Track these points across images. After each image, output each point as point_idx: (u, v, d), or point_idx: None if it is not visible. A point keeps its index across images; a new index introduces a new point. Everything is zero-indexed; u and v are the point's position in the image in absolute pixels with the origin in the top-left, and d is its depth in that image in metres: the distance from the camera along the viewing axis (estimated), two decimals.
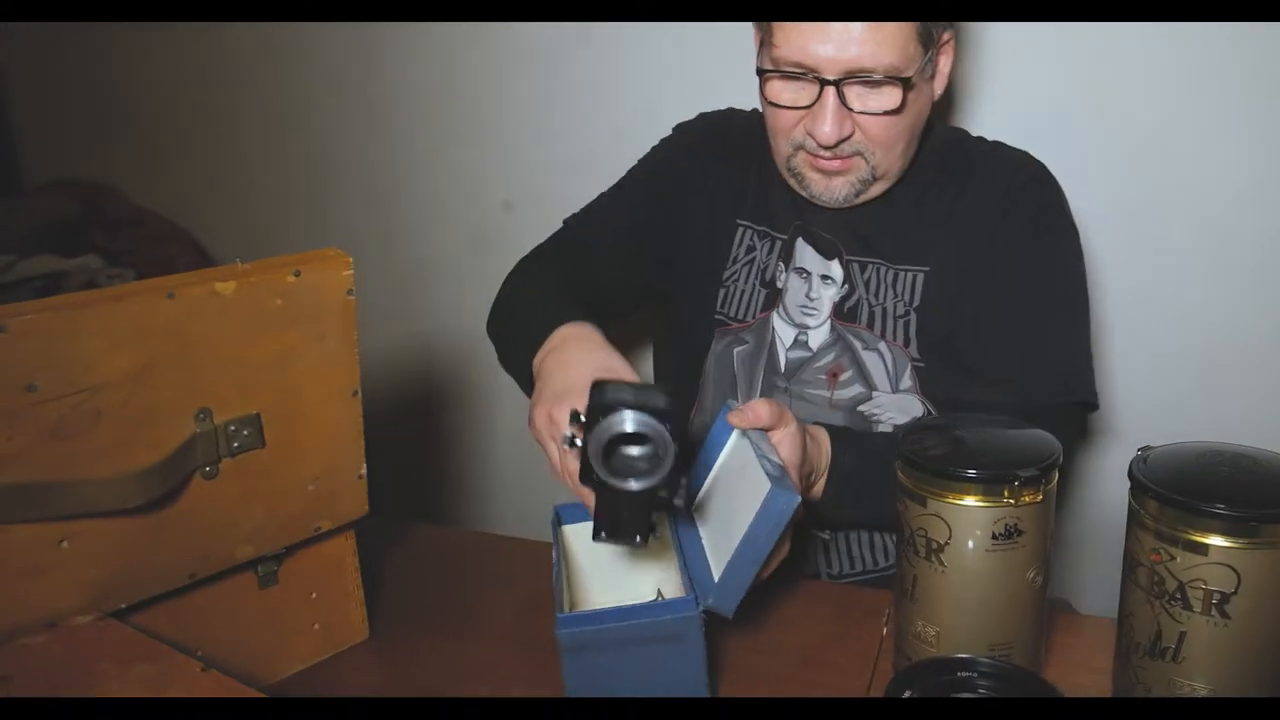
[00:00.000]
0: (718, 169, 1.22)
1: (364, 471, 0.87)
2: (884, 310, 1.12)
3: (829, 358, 1.12)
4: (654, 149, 1.29)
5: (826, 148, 1.04)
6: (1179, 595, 0.69)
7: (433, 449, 1.91)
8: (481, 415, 1.87)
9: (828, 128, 1.03)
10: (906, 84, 1.02)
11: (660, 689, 0.78)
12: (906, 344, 1.11)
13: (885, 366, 1.11)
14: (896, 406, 1.11)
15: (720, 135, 1.25)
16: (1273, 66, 1.28)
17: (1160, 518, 0.70)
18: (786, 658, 0.90)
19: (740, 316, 1.17)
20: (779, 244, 1.17)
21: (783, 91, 1.06)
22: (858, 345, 1.12)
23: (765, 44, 1.06)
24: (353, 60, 1.79)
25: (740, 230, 1.19)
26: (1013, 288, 1.09)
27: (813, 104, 1.04)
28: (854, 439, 1.00)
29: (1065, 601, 1.28)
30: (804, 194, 1.11)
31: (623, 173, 1.31)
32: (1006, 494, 0.73)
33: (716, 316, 1.18)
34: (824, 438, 0.97)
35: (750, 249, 1.18)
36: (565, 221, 1.27)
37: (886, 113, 1.03)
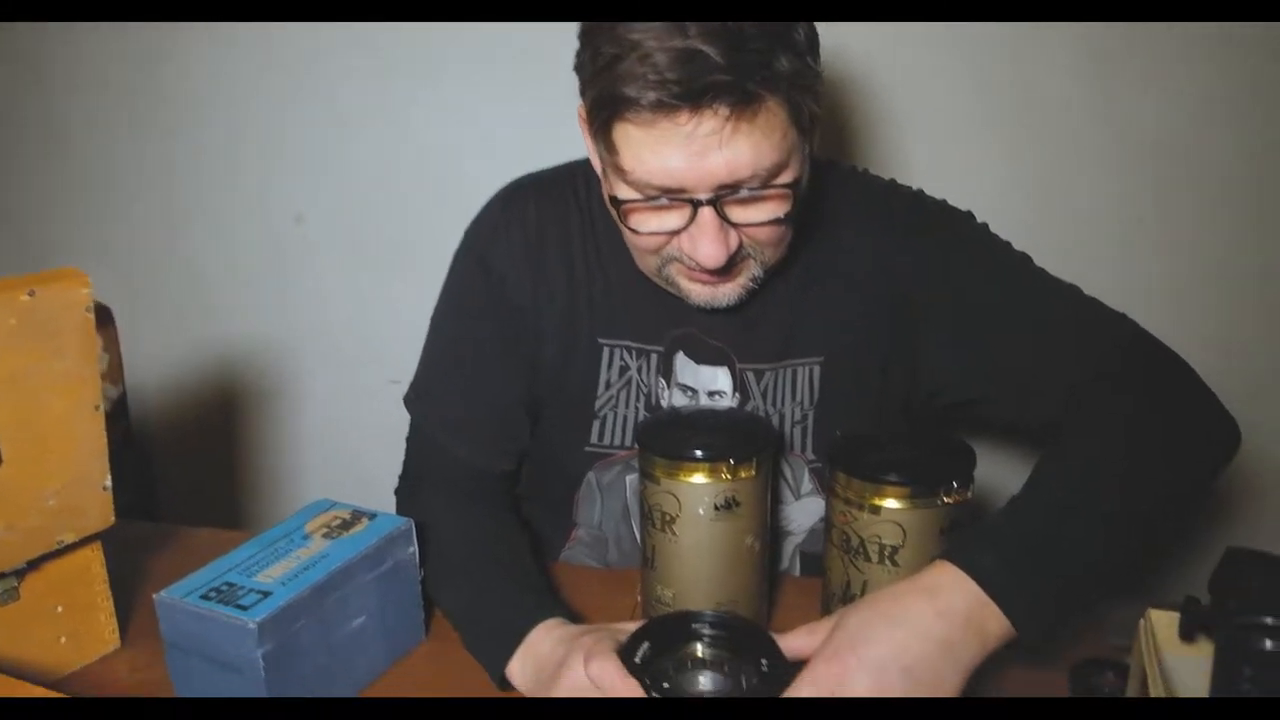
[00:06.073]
0: (550, 276, 1.00)
1: (109, 483, 0.86)
2: (781, 418, 1.00)
3: None
4: (454, 277, 1.04)
5: (712, 271, 0.87)
6: (861, 549, 0.82)
7: (228, 451, 1.88)
8: (279, 417, 1.85)
9: (710, 251, 0.83)
10: (795, 188, 0.83)
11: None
12: (803, 450, 1.01)
13: (786, 479, 1.02)
14: (801, 512, 1.03)
15: (529, 235, 1.00)
16: None
17: (847, 486, 0.82)
18: None
19: (626, 444, 1.01)
20: (655, 357, 1.00)
21: (647, 220, 0.86)
22: None
23: (610, 164, 0.85)
24: (137, 71, 1.71)
25: (607, 350, 1.00)
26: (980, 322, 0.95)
27: (686, 225, 0.84)
28: (973, 537, 0.78)
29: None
30: (686, 301, 0.93)
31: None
32: (725, 471, 0.84)
33: (589, 450, 1.02)
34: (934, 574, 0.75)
35: (624, 369, 1.00)
36: (406, 404, 1.06)
37: (775, 221, 0.85)
